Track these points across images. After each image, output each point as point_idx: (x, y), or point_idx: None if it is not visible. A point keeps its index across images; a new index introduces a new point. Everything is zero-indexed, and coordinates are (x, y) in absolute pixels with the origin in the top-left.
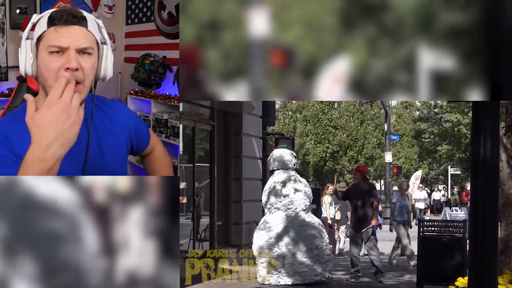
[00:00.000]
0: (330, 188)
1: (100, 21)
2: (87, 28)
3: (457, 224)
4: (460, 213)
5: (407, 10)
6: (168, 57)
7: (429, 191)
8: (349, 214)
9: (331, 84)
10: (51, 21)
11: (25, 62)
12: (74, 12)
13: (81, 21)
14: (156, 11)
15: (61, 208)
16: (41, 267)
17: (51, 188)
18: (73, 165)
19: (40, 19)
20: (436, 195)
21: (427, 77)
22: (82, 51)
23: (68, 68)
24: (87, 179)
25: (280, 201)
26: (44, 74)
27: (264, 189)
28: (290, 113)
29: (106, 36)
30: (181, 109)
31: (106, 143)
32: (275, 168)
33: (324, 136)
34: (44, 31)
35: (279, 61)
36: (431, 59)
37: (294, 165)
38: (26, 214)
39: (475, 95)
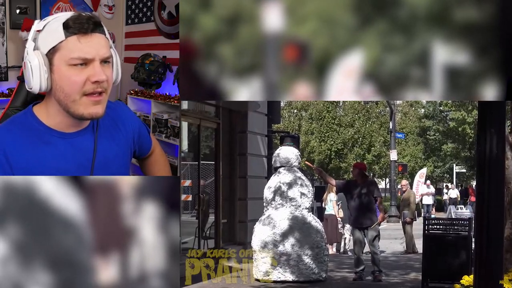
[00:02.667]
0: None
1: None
2: (105, 35)
3: (463, 222)
4: (465, 211)
5: (420, 4)
6: (168, 57)
7: (434, 189)
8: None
9: (344, 79)
10: (69, 30)
11: (40, 77)
12: (94, 19)
13: (100, 28)
14: (156, 11)
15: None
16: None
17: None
18: (79, 174)
19: (48, 26)
20: (453, 193)
21: (441, 72)
22: (104, 61)
23: (96, 81)
24: (94, 179)
25: (286, 203)
26: (66, 89)
27: (268, 186)
28: (295, 111)
29: (110, 39)
30: (186, 107)
31: (111, 153)
32: (280, 166)
33: (328, 134)
34: (61, 41)
35: (293, 56)
36: (445, 54)
37: (299, 163)
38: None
39: (490, 94)
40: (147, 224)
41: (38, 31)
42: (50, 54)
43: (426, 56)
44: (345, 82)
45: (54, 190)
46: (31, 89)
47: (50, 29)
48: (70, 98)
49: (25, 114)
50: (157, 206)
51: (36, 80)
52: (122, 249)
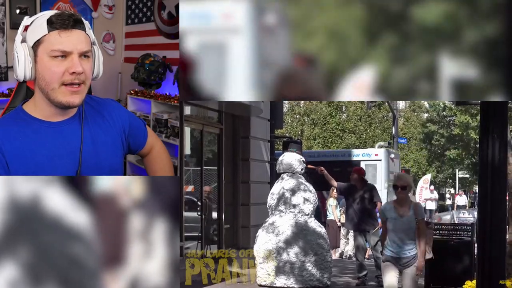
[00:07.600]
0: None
1: (87, 22)
2: (85, 31)
3: (465, 227)
4: (468, 217)
5: (430, 22)
6: (168, 57)
7: (437, 195)
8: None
9: (354, 92)
10: (52, 25)
11: (25, 66)
12: (75, 16)
13: (81, 25)
14: (156, 11)
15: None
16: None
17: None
18: (68, 164)
19: (35, 22)
20: (461, 200)
21: (448, 86)
22: (83, 55)
23: (73, 72)
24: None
25: (289, 209)
26: (47, 78)
27: (272, 192)
28: (297, 116)
29: (93, 36)
30: (189, 112)
31: (100, 141)
32: (283, 172)
33: (331, 139)
34: (45, 35)
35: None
36: (454, 69)
37: (302, 169)
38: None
39: (498, 96)
40: (146, 226)
41: (26, 26)
42: (35, 47)
43: (435, 69)
44: (355, 95)
45: (60, 203)
46: (17, 77)
47: (36, 24)
48: (50, 86)
49: (15, 111)
50: (155, 207)
51: (21, 69)
52: (124, 254)
